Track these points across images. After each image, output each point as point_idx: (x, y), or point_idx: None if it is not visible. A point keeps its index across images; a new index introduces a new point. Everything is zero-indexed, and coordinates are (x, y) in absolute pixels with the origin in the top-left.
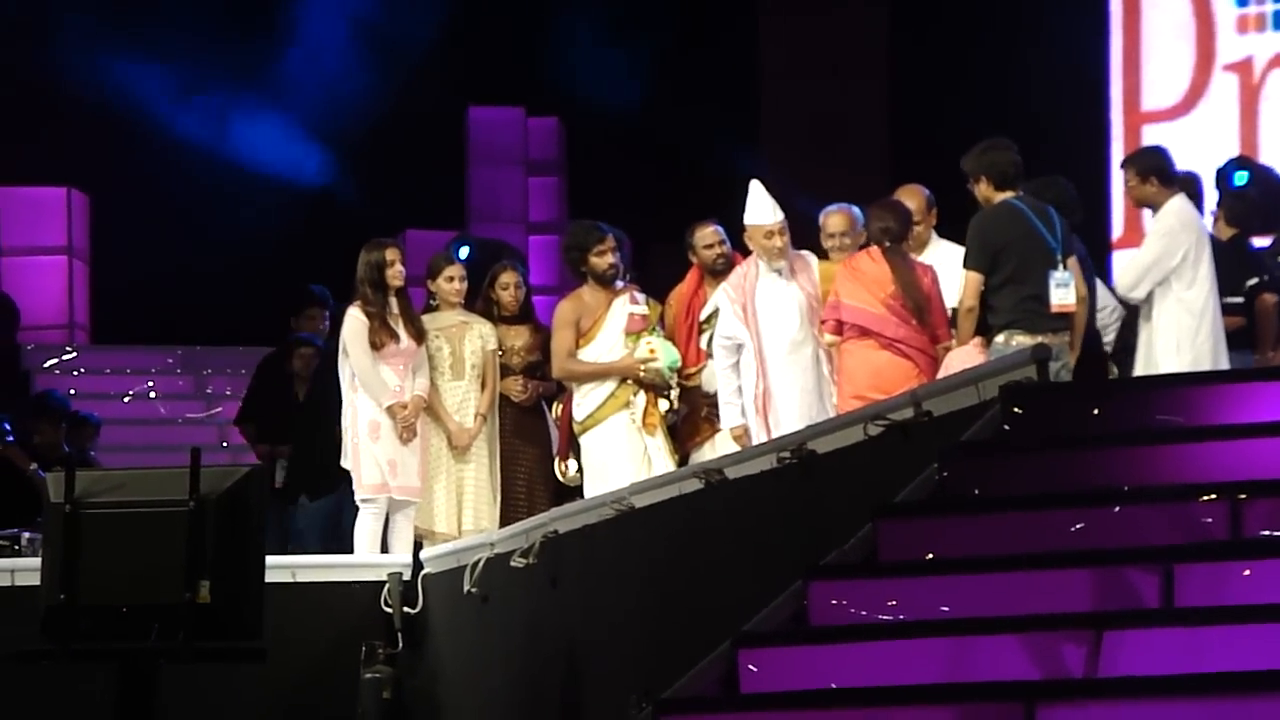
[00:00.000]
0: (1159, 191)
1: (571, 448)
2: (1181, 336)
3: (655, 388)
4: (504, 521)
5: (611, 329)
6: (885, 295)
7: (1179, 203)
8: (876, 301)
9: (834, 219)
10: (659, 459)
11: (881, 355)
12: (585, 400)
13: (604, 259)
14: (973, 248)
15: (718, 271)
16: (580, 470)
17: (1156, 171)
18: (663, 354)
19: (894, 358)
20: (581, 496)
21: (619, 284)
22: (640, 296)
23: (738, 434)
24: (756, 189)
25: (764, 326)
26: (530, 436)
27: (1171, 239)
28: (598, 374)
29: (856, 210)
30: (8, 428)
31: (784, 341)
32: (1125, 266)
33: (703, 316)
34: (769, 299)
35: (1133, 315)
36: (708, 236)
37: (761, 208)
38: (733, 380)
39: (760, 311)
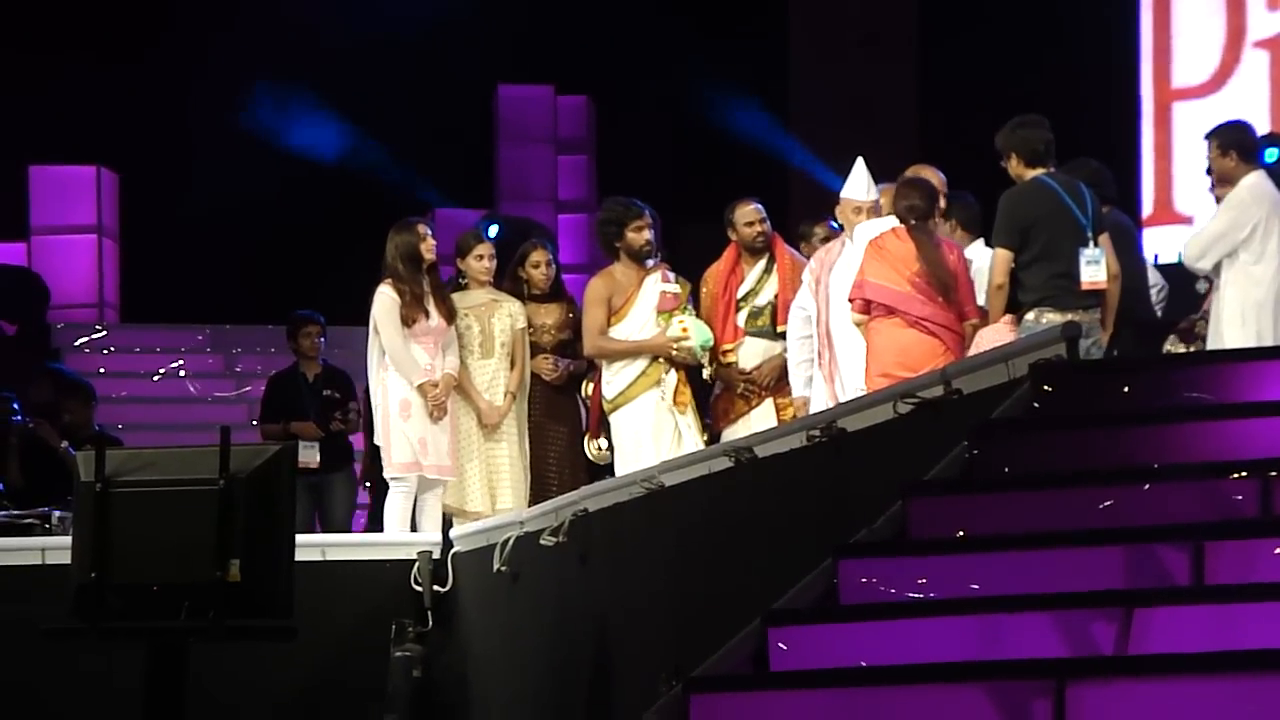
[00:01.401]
0: (1238, 166)
1: (601, 425)
2: (1246, 309)
3: (687, 366)
4: (535, 500)
5: (643, 307)
6: (910, 273)
7: (1254, 178)
8: (902, 280)
9: (884, 201)
10: (689, 437)
11: (908, 333)
12: (616, 378)
13: (641, 235)
14: (1002, 225)
15: (756, 250)
16: (609, 448)
17: (1237, 146)
18: (695, 333)
19: (920, 335)
20: (611, 474)
21: (650, 262)
22: (672, 275)
23: (799, 404)
24: (859, 166)
25: (834, 298)
26: (561, 415)
27: (1241, 211)
28: (630, 352)
29: None
30: (16, 405)
31: (848, 317)
32: (1192, 238)
33: (740, 294)
34: (844, 273)
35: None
36: (749, 214)
37: (859, 184)
38: (804, 351)
39: (833, 284)
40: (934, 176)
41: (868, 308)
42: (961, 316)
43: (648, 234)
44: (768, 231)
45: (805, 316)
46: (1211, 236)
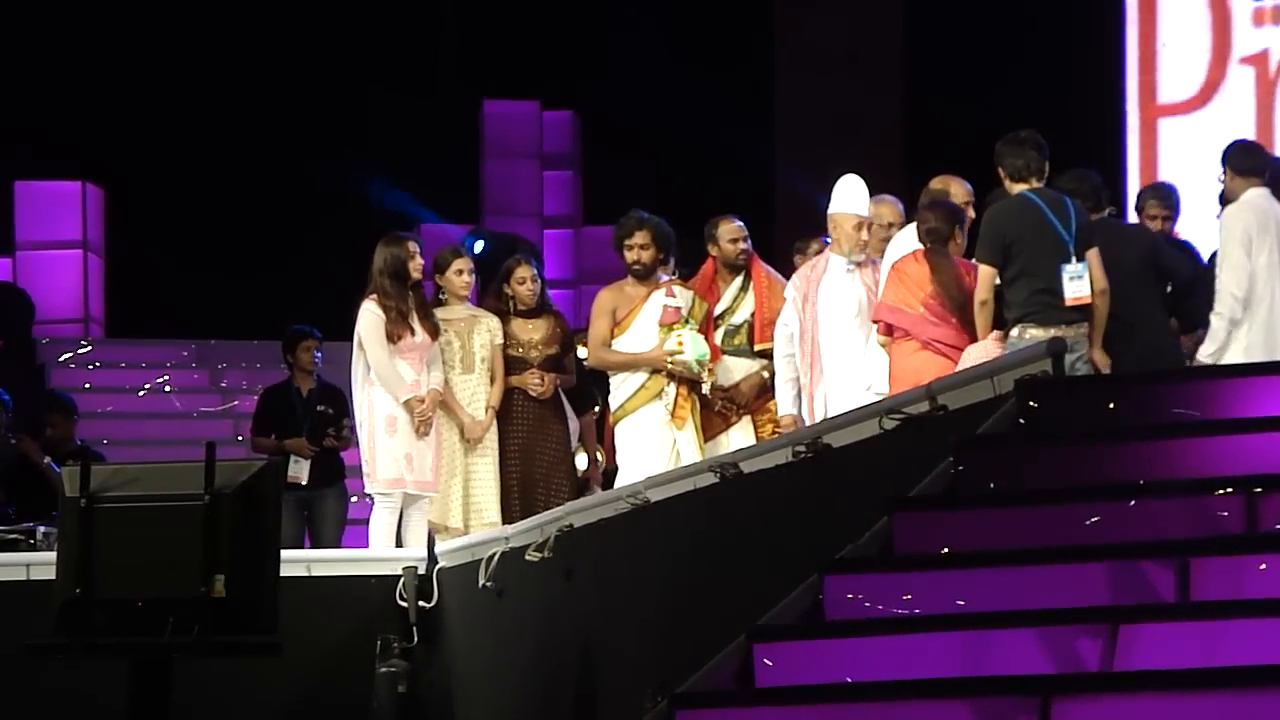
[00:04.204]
0: (1232, 182)
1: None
2: (1246, 328)
3: (686, 380)
4: (522, 515)
5: (645, 320)
6: (925, 295)
7: (1247, 195)
8: (916, 302)
9: (886, 209)
10: (688, 452)
11: (921, 355)
12: (618, 391)
13: (630, 253)
14: (984, 241)
15: (736, 267)
16: (591, 463)
17: (1229, 163)
18: (690, 347)
19: (932, 356)
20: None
21: (664, 278)
22: (678, 290)
23: (788, 423)
24: (853, 180)
25: (822, 317)
26: (549, 430)
27: (1231, 246)
28: (627, 364)
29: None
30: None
31: (839, 333)
32: (1218, 300)
33: (716, 311)
34: (831, 290)
35: None
36: (733, 231)
37: (858, 198)
38: (790, 369)
39: (821, 302)
40: (960, 188)
41: (890, 330)
42: (975, 337)
43: (636, 253)
44: (749, 249)
45: (789, 334)
46: (1228, 287)
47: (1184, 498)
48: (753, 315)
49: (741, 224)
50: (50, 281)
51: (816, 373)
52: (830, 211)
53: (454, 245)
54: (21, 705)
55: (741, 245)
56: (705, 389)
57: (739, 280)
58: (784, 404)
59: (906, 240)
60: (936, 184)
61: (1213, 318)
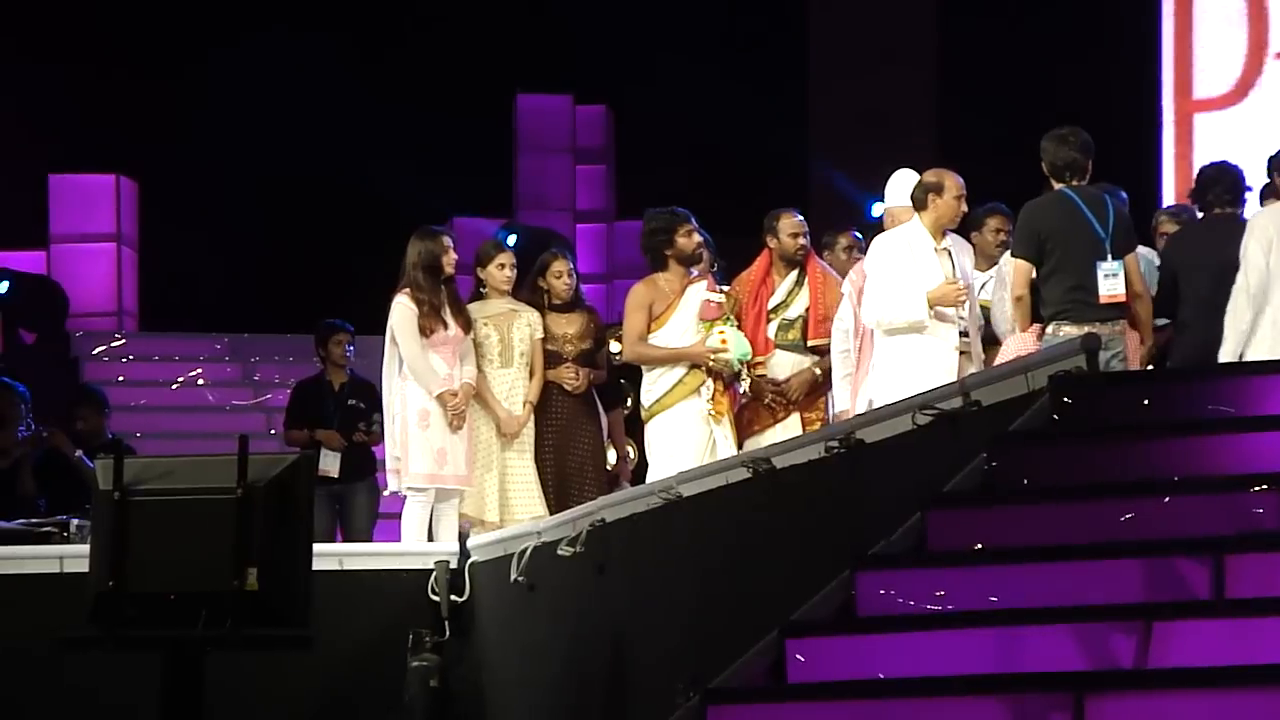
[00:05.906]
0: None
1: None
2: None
3: (724, 377)
4: (557, 510)
5: (684, 314)
6: None
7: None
8: None
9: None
10: (724, 447)
11: None
12: (655, 385)
13: (692, 239)
14: (1019, 237)
15: (793, 261)
16: (620, 459)
17: (1274, 168)
18: (734, 345)
19: None
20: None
21: (694, 271)
22: (718, 286)
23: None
24: (909, 174)
25: None
26: (582, 425)
27: (1250, 236)
28: (667, 359)
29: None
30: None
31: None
32: (1237, 279)
33: (770, 305)
34: None
35: None
36: (794, 225)
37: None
38: (846, 365)
39: None
40: (953, 181)
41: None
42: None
43: (698, 237)
44: (807, 244)
45: (844, 330)
46: (1239, 286)
47: (1219, 494)
48: (807, 310)
49: (802, 219)
50: (84, 275)
51: (863, 368)
52: (887, 206)
53: (495, 239)
54: (54, 697)
55: (801, 240)
56: (744, 386)
57: (793, 275)
58: (842, 399)
59: (889, 240)
60: (930, 177)
61: (1226, 317)
